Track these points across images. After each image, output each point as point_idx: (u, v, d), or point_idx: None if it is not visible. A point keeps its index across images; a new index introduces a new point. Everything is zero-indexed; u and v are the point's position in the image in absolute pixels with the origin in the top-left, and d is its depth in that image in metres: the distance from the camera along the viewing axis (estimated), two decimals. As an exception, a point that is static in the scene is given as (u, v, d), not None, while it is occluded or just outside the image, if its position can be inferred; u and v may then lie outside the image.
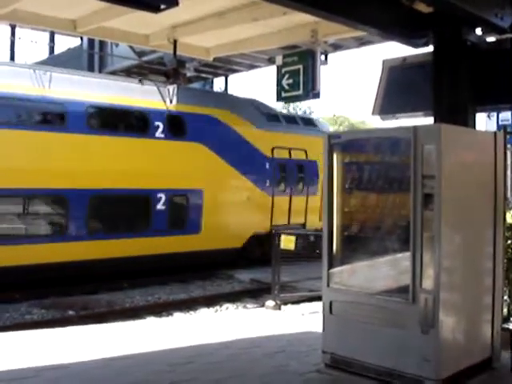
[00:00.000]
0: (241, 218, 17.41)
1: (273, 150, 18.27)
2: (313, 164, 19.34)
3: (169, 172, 15.68)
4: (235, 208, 17.31)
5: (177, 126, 16.00)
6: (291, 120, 20.42)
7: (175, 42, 9.69)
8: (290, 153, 18.87)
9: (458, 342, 5.68)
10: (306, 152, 19.18)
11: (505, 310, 6.97)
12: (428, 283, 5.31)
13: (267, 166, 18.15)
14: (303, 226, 18.92)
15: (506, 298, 7.00)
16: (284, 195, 18.67)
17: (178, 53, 9.94)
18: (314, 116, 21.68)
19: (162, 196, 15.45)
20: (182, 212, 16.27)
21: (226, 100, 18.65)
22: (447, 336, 5.43)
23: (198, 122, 16.31)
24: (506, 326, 6.76)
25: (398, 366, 5.53)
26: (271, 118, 19.10)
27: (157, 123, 15.32)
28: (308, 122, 21.21)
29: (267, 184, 18.15)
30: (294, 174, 19.27)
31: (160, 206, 15.47)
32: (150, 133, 15.32)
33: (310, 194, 19.38)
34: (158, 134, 15.41)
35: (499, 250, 6.08)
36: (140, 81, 15.79)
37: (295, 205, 18.88)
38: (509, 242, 6.90)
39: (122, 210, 15.06)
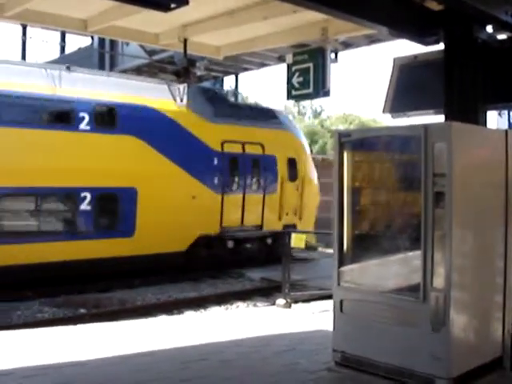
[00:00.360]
0: (184, 219, 15.70)
1: (223, 143, 16.76)
2: (271, 159, 18.01)
3: (95, 168, 14.14)
4: (177, 208, 15.59)
5: (106, 117, 14.72)
6: (247, 111, 18.74)
7: (185, 40, 9.70)
8: (243, 147, 17.32)
9: (469, 340, 5.66)
10: (262, 146, 17.72)
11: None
12: (439, 282, 5.30)
13: (216, 161, 16.55)
14: (260, 227, 17.66)
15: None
16: (236, 193, 17.15)
17: (188, 52, 9.95)
18: (274, 107, 19.69)
19: (87, 195, 13.93)
20: (112, 213, 14.60)
21: (167, 89, 16.43)
22: (458, 335, 5.42)
23: (131, 112, 14.89)
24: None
25: (408, 364, 5.52)
26: (223, 109, 17.56)
27: (82, 114, 14.01)
28: (267, 114, 19.34)
29: (216, 181, 16.56)
30: (247, 170, 17.51)
31: (85, 206, 13.95)
32: (73, 125, 13.97)
33: (268, 192, 17.95)
34: (83, 126, 14.03)
35: (511, 248, 6.05)
36: (68, 68, 14.59)
37: (250, 204, 17.34)
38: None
39: (39, 210, 13.65)
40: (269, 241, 18.05)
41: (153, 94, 15.77)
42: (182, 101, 10.06)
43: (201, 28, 9.32)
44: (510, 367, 5.96)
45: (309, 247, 18.60)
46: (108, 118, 14.78)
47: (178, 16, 8.22)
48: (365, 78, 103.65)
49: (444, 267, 5.27)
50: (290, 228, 18.14)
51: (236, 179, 17.29)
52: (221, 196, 16.62)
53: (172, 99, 15.07)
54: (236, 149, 17.14)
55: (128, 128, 14.75)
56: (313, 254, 19.46)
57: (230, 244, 16.99)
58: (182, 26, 9.39)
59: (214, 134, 16.67)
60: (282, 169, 18.45)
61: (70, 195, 13.93)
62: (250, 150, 17.47)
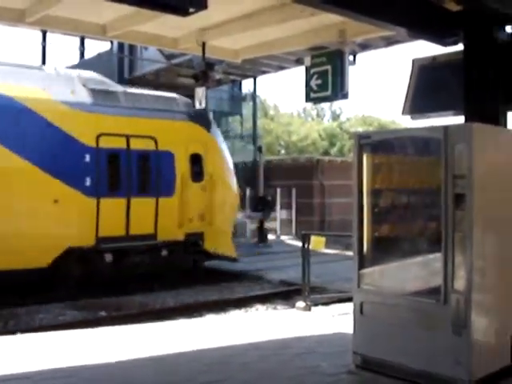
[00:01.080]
0: (44, 229, 12.88)
1: (98, 137, 13.78)
2: (166, 156, 15.05)
3: None
4: (31, 214, 12.78)
5: None
6: (136, 99, 15.28)
7: (204, 44, 9.76)
8: (127, 141, 14.34)
9: (490, 343, 5.61)
10: (155, 140, 14.78)
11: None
12: (460, 284, 5.27)
13: (88, 158, 13.55)
14: (153, 236, 14.74)
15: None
16: (118, 197, 14.12)
17: (206, 55, 10.00)
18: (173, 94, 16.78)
19: None
20: None
21: (18, 72, 13.64)
22: (479, 337, 5.37)
23: None
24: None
25: (429, 367, 5.48)
26: (102, 96, 14.43)
27: None
28: (164, 103, 15.99)
29: (88, 182, 13.54)
30: (134, 168, 14.48)
31: None
32: None
33: (163, 195, 14.90)
34: None
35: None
36: None
37: (138, 209, 14.31)
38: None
39: None
40: (164, 252, 15.23)
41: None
42: (200, 104, 10.10)
43: (219, 32, 9.36)
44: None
45: (223, 256, 16.41)
46: None
47: (197, 20, 8.26)
48: (383, 80, 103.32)
49: (465, 269, 5.23)
50: (196, 237, 15.78)
51: (118, 180, 14.28)
52: (96, 200, 13.67)
53: (30, 84, 13.24)
54: (118, 143, 14.23)
55: None
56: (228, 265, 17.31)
57: (109, 257, 14.13)
58: (200, 30, 9.43)
59: (86, 126, 13.81)
60: (183, 167, 15.47)
61: None
62: (137, 144, 14.55)
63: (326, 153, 50.64)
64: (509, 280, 5.84)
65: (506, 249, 5.77)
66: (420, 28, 7.04)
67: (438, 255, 5.42)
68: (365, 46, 17.83)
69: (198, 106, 10.20)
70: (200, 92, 10.22)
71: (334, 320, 9.01)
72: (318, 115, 65.83)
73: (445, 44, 7.20)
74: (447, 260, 5.32)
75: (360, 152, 6.11)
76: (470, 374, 5.27)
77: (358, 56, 9.59)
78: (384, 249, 6.14)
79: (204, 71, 10.21)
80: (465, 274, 5.23)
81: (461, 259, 5.25)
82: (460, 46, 7.02)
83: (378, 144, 6.17)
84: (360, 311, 6.10)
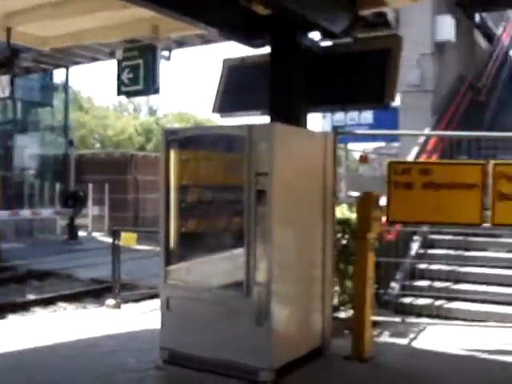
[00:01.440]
0: None
1: None
2: None
3: None
4: None
5: None
6: None
7: (9, 29, 9.19)
8: None
9: (291, 332, 5.93)
10: None
11: (335, 300, 7.41)
12: (261, 276, 5.49)
13: None
14: None
15: (336, 288, 7.45)
16: None
17: (12, 41, 9.43)
18: None
19: None
20: None
21: None
22: (280, 327, 5.64)
23: None
24: (336, 315, 7.22)
25: (234, 357, 5.66)
26: None
27: None
28: None
29: None
30: None
31: None
32: None
33: None
34: None
35: (329, 243, 6.43)
36: None
37: None
38: (338, 235, 7.34)
39: None
40: None
41: None
42: (4, 92, 9.50)
43: (26, 18, 8.85)
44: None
45: None
46: None
47: (1, 4, 7.79)
48: (201, 77, 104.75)
49: (265, 262, 5.47)
50: None
51: None
52: None
53: None
54: None
55: None
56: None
57: None
58: (4, 15, 8.88)
59: None
60: None
61: None
62: None
63: (142, 148, 50.14)
64: (308, 271, 6.22)
65: (305, 242, 6.13)
66: (230, 29, 7.19)
67: (242, 249, 5.62)
68: (181, 43, 17.92)
69: (0, 95, 9.58)
70: (4, 80, 9.59)
71: (145, 316, 8.98)
72: (134, 110, 64.99)
73: (253, 46, 7.41)
74: (250, 253, 5.53)
75: (167, 148, 6.14)
76: (271, 363, 5.53)
77: (174, 52, 9.61)
78: (191, 244, 6.23)
79: (9, 57, 9.61)
80: (265, 267, 5.47)
81: (262, 253, 5.48)
82: (268, 49, 7.28)
83: (186, 140, 6.24)
84: (166, 306, 6.15)
